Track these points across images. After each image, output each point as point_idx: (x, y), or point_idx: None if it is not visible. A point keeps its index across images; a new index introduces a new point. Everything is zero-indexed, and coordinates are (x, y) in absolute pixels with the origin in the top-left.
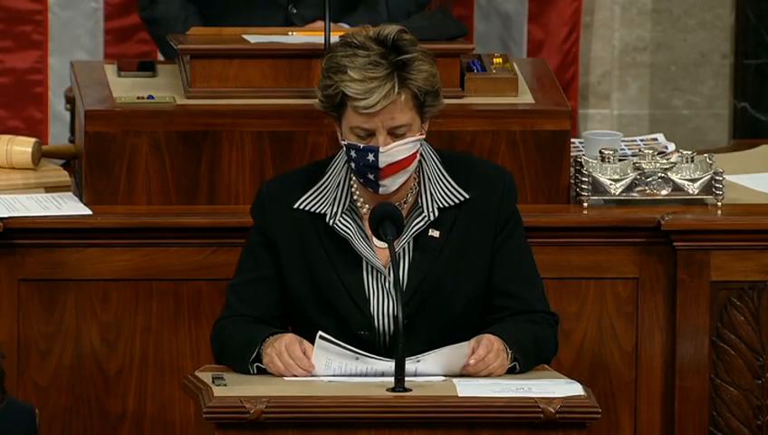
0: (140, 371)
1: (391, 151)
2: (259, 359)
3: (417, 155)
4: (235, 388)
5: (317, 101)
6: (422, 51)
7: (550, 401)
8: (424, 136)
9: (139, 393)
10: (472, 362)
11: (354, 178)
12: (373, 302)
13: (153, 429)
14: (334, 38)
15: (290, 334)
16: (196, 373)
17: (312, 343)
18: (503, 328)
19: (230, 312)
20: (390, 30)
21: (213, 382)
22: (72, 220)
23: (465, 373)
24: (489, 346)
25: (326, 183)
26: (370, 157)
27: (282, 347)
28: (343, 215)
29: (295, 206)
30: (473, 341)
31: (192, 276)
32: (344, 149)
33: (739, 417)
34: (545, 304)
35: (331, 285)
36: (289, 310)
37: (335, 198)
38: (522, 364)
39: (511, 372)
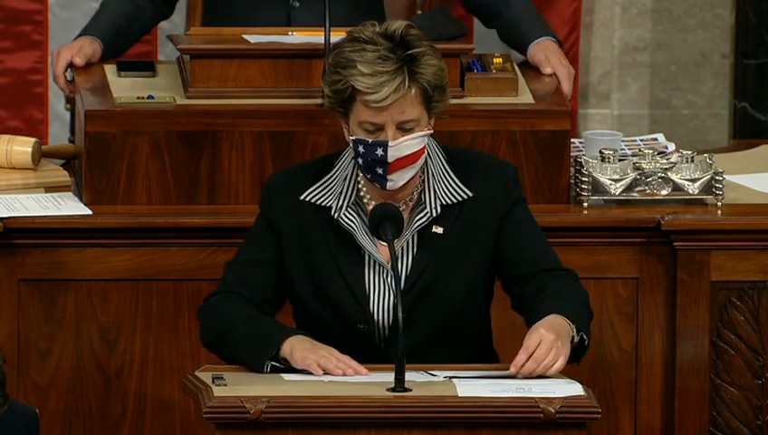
0: (140, 371)
1: (400, 146)
2: (275, 359)
3: (425, 150)
4: (235, 388)
5: (323, 98)
6: (430, 45)
7: (550, 401)
8: (431, 131)
9: (139, 393)
10: (513, 370)
11: (361, 173)
12: (373, 296)
13: (153, 429)
14: (334, 38)
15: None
16: (197, 373)
17: (313, 334)
18: (554, 300)
19: (225, 288)
20: (398, 25)
21: (213, 382)
22: (72, 220)
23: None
24: (535, 344)
25: (333, 177)
26: (379, 151)
27: (332, 353)
28: (348, 208)
29: (301, 198)
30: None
31: (192, 276)
32: (351, 145)
33: (739, 417)
34: (561, 262)
35: (332, 278)
36: (282, 296)
37: (341, 192)
38: (586, 332)
39: (581, 345)
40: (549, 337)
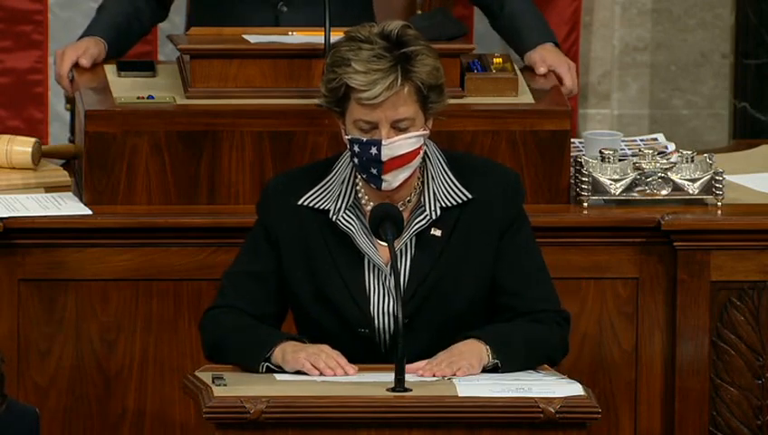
0: (140, 371)
1: (394, 145)
2: (269, 359)
3: (421, 151)
4: (235, 388)
5: (320, 98)
6: (426, 45)
7: (550, 401)
8: (428, 133)
9: (139, 393)
10: (420, 371)
11: (358, 175)
12: (373, 300)
13: (153, 429)
14: (334, 38)
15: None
16: (197, 373)
17: (314, 338)
18: (489, 328)
19: (224, 302)
20: (395, 25)
21: (213, 382)
22: (72, 220)
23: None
24: (446, 353)
25: (331, 180)
26: (373, 150)
27: (322, 349)
28: (347, 211)
29: (299, 202)
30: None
31: (192, 276)
32: (347, 144)
33: (739, 417)
34: (553, 302)
35: (332, 281)
36: (283, 307)
37: (339, 194)
38: (504, 363)
39: (494, 371)
40: (458, 349)
